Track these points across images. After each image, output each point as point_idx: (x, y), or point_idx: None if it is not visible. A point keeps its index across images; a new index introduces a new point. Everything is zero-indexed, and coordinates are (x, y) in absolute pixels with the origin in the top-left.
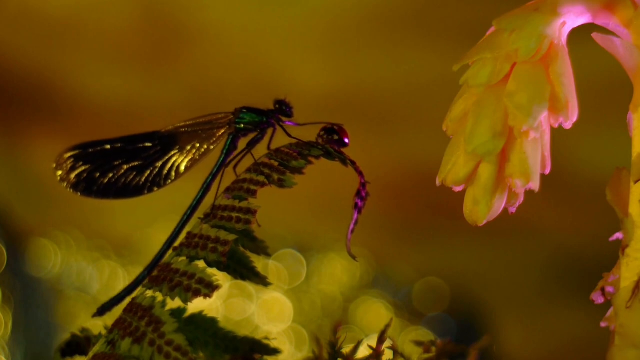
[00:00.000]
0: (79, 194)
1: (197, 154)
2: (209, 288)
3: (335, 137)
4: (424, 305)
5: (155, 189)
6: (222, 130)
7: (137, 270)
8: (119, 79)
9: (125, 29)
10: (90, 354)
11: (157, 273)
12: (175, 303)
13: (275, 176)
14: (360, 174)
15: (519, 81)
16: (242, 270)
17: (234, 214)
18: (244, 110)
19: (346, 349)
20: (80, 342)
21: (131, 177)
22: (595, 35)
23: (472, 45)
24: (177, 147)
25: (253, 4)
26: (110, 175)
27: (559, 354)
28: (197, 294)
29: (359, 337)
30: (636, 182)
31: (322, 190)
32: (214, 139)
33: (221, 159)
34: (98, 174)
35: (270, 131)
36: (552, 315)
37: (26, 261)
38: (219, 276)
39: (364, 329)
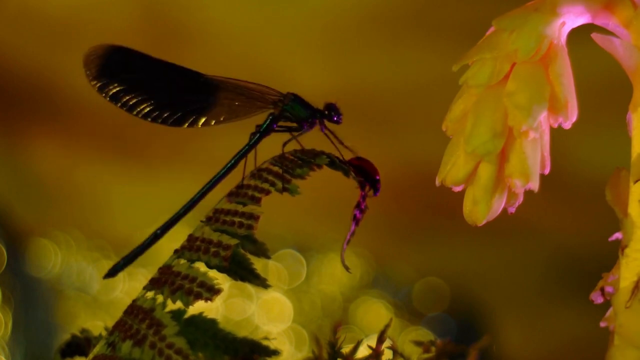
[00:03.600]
0: (104, 96)
1: (230, 115)
2: (211, 291)
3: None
4: (424, 305)
5: (179, 125)
6: (265, 106)
7: (136, 270)
8: None
9: (125, 29)
10: (91, 356)
11: (158, 275)
12: (175, 304)
13: (280, 184)
14: (362, 186)
15: (519, 81)
16: (242, 272)
17: (237, 219)
18: (296, 100)
19: (346, 349)
20: (80, 343)
21: (159, 102)
22: (594, 36)
23: (472, 45)
24: (215, 98)
25: (253, 4)
26: (143, 91)
27: (559, 354)
28: (198, 297)
29: (359, 337)
30: (635, 182)
31: (322, 190)
32: (253, 109)
33: (256, 137)
34: (130, 85)
35: (310, 130)
36: (552, 315)
37: (26, 261)
38: (220, 278)
39: (364, 329)
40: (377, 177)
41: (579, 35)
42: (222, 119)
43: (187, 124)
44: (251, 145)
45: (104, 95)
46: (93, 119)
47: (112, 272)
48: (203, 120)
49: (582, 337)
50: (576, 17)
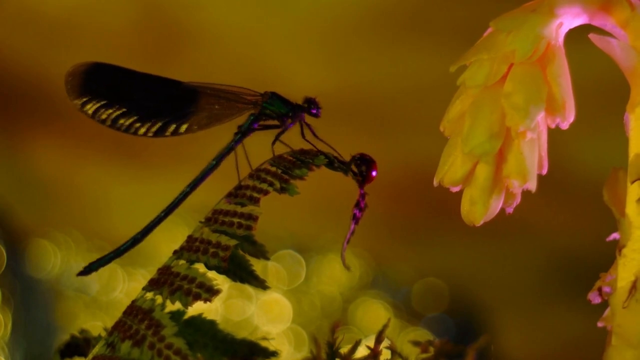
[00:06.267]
0: (86, 113)
1: (212, 119)
2: (209, 292)
3: (364, 168)
4: (423, 306)
5: (161, 135)
6: (246, 107)
7: (136, 271)
8: None
9: (125, 29)
10: (90, 356)
11: (158, 276)
12: (174, 305)
13: (278, 184)
14: (361, 185)
15: (516, 82)
16: (242, 274)
17: (236, 220)
18: (275, 97)
19: (344, 349)
20: (80, 344)
21: (142, 115)
22: (592, 36)
23: (469, 46)
24: (196, 104)
25: (253, 4)
26: (122, 106)
27: (557, 354)
28: (197, 297)
29: (358, 337)
30: (633, 182)
31: (321, 191)
32: (234, 112)
33: (238, 137)
34: (110, 100)
35: (293, 125)
36: (550, 316)
37: (26, 262)
38: (219, 279)
39: (363, 330)
40: (367, 158)
41: (576, 36)
42: (204, 124)
43: (169, 133)
44: (232, 147)
45: (86, 113)
46: (93, 120)
47: (85, 271)
48: (185, 127)
49: (580, 337)
50: (573, 18)
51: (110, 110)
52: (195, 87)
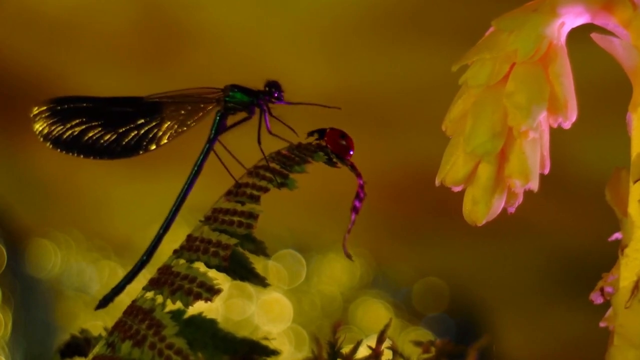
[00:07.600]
0: (59, 150)
1: (180, 127)
2: (210, 292)
3: (342, 142)
4: (424, 306)
5: (135, 154)
6: (210, 106)
7: None
8: (118, 79)
9: (125, 30)
10: (90, 356)
11: (158, 276)
12: (174, 304)
13: (278, 180)
14: (359, 175)
15: (518, 81)
16: (242, 272)
17: (236, 218)
18: (235, 89)
19: (346, 349)
20: (80, 344)
21: (112, 138)
22: (594, 36)
23: (471, 45)
24: (161, 116)
25: (253, 4)
26: (91, 133)
27: (558, 354)
28: (198, 297)
29: (359, 337)
30: (635, 182)
31: (321, 190)
32: (201, 114)
33: (211, 136)
34: (78, 131)
35: (263, 114)
36: (551, 316)
37: (26, 261)
38: (220, 278)
39: (364, 330)
40: (320, 129)
41: (578, 36)
42: (174, 132)
43: (141, 151)
44: (208, 149)
45: (58, 149)
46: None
47: (102, 303)
48: (156, 140)
49: (582, 337)
50: (575, 17)
51: (83, 140)
52: (157, 99)
